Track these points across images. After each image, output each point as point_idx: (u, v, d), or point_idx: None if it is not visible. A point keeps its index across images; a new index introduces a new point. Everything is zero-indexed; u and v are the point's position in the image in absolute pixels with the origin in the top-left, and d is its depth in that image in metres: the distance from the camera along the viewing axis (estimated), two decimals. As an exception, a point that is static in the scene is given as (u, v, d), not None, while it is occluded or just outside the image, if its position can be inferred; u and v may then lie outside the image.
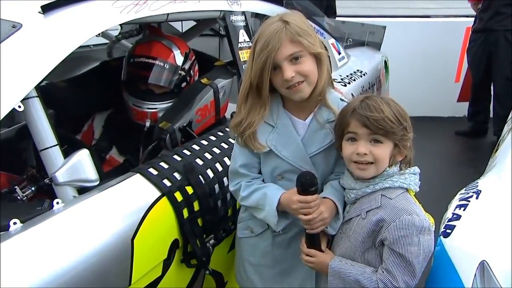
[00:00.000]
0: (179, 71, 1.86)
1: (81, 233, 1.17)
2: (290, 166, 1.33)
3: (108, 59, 2.23)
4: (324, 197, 1.29)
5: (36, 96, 1.22)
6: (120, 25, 2.41)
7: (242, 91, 1.30)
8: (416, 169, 1.29)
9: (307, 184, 1.23)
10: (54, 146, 1.25)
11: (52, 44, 1.26)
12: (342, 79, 2.62)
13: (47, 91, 1.89)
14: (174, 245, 1.40)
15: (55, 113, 2.02)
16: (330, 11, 4.32)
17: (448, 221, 1.41)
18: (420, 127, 4.60)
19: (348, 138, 1.25)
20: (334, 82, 2.55)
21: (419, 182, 1.29)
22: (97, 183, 1.29)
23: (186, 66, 1.89)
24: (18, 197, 1.50)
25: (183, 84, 1.89)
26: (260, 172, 1.38)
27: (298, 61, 1.23)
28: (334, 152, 1.35)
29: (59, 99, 1.87)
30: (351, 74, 2.74)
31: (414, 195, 1.27)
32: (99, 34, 1.43)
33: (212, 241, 1.53)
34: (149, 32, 2.02)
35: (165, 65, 1.81)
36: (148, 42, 1.88)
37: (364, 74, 2.86)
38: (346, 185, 1.30)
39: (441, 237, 1.37)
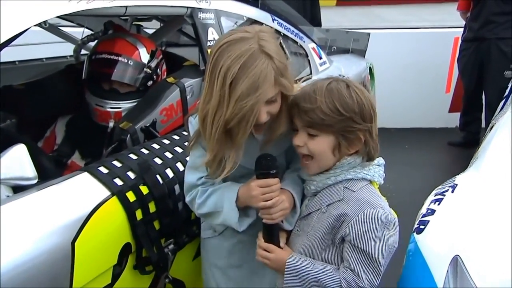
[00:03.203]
0: (145, 69, 1.76)
1: (9, 236, 1.04)
2: (249, 170, 1.22)
3: (74, 63, 2.14)
4: (282, 189, 1.18)
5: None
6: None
7: (215, 131, 1.11)
8: (380, 160, 1.19)
9: (267, 166, 1.14)
10: (-14, 140, 1.13)
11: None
12: (322, 83, 2.52)
13: (3, 94, 1.81)
14: (126, 249, 1.27)
15: (16, 119, 1.94)
16: (315, 22, 4.28)
17: (422, 217, 1.30)
18: (412, 138, 4.56)
19: (293, 128, 1.17)
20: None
21: (384, 174, 1.18)
22: (35, 181, 1.17)
23: (153, 64, 1.80)
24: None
25: (150, 83, 1.79)
26: None
27: (272, 102, 1.13)
28: (292, 150, 1.24)
29: (16, 102, 1.77)
30: (332, 78, 2.65)
31: (378, 188, 1.16)
32: (45, 24, 1.33)
33: (171, 246, 1.40)
34: (114, 31, 1.93)
35: (129, 62, 1.72)
36: (111, 39, 1.80)
37: (347, 79, 2.77)
38: (305, 176, 1.19)
39: (414, 233, 1.25)
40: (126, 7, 1.56)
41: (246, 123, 1.08)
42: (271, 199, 1.13)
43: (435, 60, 4.83)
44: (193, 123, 1.26)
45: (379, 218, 1.07)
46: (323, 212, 1.13)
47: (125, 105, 1.73)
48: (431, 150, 4.41)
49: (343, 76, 2.77)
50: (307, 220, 1.18)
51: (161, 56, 1.87)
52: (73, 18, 2.04)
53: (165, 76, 1.88)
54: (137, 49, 1.77)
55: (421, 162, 4.06)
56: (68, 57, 2.77)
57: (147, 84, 1.78)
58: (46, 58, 2.94)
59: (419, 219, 1.30)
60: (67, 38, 2.22)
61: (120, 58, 1.71)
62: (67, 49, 2.63)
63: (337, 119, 1.09)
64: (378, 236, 1.07)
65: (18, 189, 1.17)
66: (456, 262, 1.10)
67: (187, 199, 1.29)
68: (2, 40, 1.17)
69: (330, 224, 1.11)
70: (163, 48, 2.57)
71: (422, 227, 1.25)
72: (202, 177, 1.25)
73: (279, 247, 1.17)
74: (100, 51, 1.74)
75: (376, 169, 1.17)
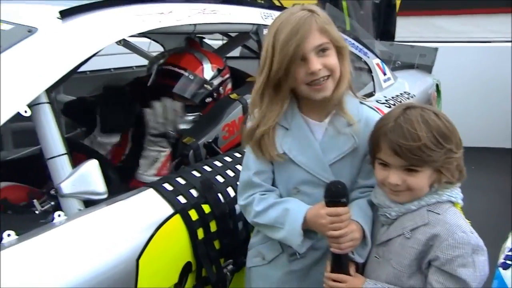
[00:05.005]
0: (205, 85, 1.77)
1: (80, 249, 1.08)
2: (307, 175, 1.18)
3: (142, 76, 2.20)
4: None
5: (47, 103, 1.17)
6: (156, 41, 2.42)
7: (257, 90, 1.17)
8: None
9: (338, 194, 1.09)
10: (62, 155, 1.18)
11: (66, 49, 1.21)
12: (386, 100, 2.44)
13: (75, 105, 1.90)
14: (187, 268, 1.27)
15: (86, 129, 2.03)
16: (388, 36, 4.14)
17: (508, 251, 1.20)
18: (477, 159, 4.27)
19: (380, 163, 1.11)
20: (378, 103, 2.41)
21: (462, 195, 1.13)
22: (105, 196, 1.20)
23: (215, 82, 1.81)
24: (36, 211, 1.46)
25: (208, 100, 1.79)
26: (273, 185, 1.24)
27: (324, 53, 1.12)
28: (357, 161, 1.20)
29: (87, 113, 1.85)
30: (397, 95, 2.55)
31: (461, 210, 1.10)
32: (120, 42, 1.38)
33: (230, 267, 1.39)
34: (188, 45, 1.97)
35: (190, 76, 1.74)
36: (180, 53, 1.84)
37: (412, 97, 2.66)
38: (383, 204, 1.14)
39: (500, 269, 1.16)
40: (195, 24, 1.59)
41: (294, 65, 1.09)
42: (340, 229, 1.09)
43: (504, 76, 4.54)
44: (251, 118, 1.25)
45: (470, 243, 1.03)
46: (407, 238, 1.08)
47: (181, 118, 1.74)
48: (496, 172, 4.15)
49: (409, 94, 2.67)
50: (387, 247, 1.12)
51: (227, 76, 1.87)
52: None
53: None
54: (201, 65, 1.78)
55: (487, 185, 3.82)
56: (134, 68, 2.89)
57: (205, 100, 1.78)
58: (114, 69, 3.08)
59: (505, 253, 1.22)
60: (139, 52, 2.30)
61: (181, 71, 1.73)
62: (131, 60, 2.76)
63: (441, 152, 1.04)
64: (468, 262, 1.02)
65: (88, 203, 1.21)
66: None
67: (242, 202, 1.24)
68: (86, 57, 1.24)
69: (418, 251, 1.06)
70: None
71: (509, 262, 1.16)
72: (258, 172, 1.21)
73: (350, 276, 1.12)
74: (167, 62, 1.79)
75: (457, 190, 1.12)
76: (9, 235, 1.02)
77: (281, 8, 2.14)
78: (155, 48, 2.73)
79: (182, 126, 1.73)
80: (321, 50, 1.11)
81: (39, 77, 1.14)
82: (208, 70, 1.79)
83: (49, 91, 1.17)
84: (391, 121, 1.08)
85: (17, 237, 1.03)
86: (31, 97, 1.11)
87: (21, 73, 1.12)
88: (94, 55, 1.30)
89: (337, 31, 1.16)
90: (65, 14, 1.25)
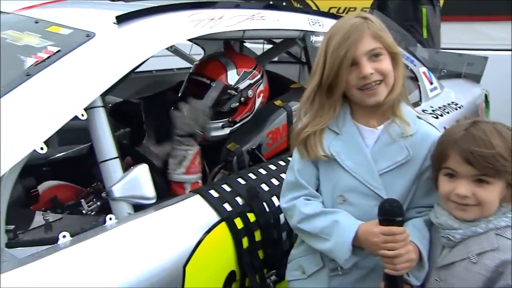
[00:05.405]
0: (229, 91, 1.71)
1: (130, 253, 1.09)
2: (355, 182, 1.14)
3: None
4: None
5: (102, 106, 1.19)
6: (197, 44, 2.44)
7: (308, 95, 1.17)
8: None
9: (393, 213, 1.04)
10: (114, 158, 1.20)
11: (122, 54, 1.24)
12: (433, 110, 2.36)
13: (122, 107, 1.93)
14: (231, 277, 1.27)
15: (131, 130, 2.06)
16: (432, 42, 4.01)
17: None
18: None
19: (446, 173, 1.05)
20: (424, 113, 2.34)
21: None
22: (154, 201, 1.21)
23: (241, 86, 1.73)
24: (83, 211, 1.49)
25: (234, 105, 1.74)
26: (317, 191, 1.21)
27: (377, 58, 1.11)
28: (410, 176, 1.14)
29: (132, 115, 1.87)
30: (444, 106, 2.47)
31: None
32: (171, 47, 1.39)
33: (273, 277, 1.37)
34: (224, 49, 1.96)
35: (212, 84, 1.69)
36: (207, 60, 1.83)
37: (459, 107, 2.57)
38: (445, 225, 1.08)
39: None
40: (244, 31, 1.58)
41: (344, 70, 1.09)
42: (394, 249, 1.04)
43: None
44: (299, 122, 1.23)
45: None
46: (473, 263, 1.02)
47: (208, 125, 1.70)
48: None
49: (456, 104, 2.58)
50: (449, 270, 1.07)
51: (257, 78, 1.79)
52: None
53: (260, 98, 1.82)
54: (225, 71, 1.73)
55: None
56: (175, 70, 2.93)
57: (231, 106, 1.73)
58: (156, 70, 3.13)
59: None
60: (182, 55, 2.32)
61: (204, 80, 1.70)
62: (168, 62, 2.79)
63: None
64: None
65: (136, 207, 1.22)
66: None
67: (284, 204, 1.22)
68: (140, 62, 1.28)
69: (486, 277, 1.00)
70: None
71: None
72: (300, 171, 1.19)
73: None
74: (194, 71, 1.79)
75: None
76: (64, 236, 1.05)
77: (328, 14, 2.11)
78: (196, 51, 2.75)
79: (213, 133, 1.71)
80: (374, 55, 1.11)
81: (96, 81, 1.16)
82: (232, 75, 1.73)
83: (103, 95, 1.19)
84: (460, 131, 1.04)
85: (71, 238, 1.05)
86: (89, 101, 1.13)
87: (80, 77, 1.14)
88: (146, 60, 1.31)
89: (391, 38, 1.15)
90: (121, 19, 1.27)
